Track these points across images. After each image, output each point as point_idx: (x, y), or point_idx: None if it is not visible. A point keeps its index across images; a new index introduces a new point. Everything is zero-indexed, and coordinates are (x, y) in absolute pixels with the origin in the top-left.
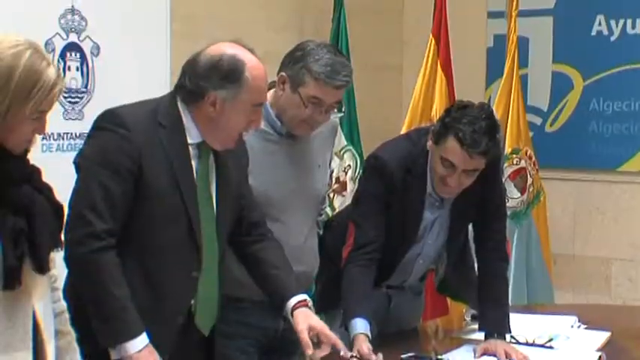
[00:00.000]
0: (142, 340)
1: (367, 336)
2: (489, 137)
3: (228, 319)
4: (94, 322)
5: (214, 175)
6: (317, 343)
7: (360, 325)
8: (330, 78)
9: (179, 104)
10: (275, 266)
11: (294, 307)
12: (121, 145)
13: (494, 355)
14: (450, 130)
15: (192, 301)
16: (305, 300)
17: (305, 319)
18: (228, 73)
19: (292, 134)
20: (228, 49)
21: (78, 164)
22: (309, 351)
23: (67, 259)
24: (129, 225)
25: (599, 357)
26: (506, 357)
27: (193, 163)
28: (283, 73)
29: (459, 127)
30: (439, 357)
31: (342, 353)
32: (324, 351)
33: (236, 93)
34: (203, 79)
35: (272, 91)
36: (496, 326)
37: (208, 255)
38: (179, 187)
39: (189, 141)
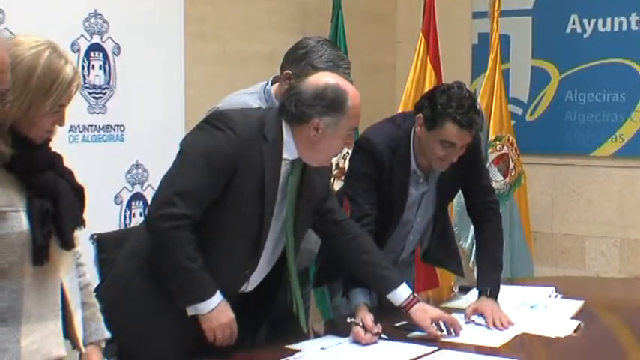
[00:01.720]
0: (214, 300)
1: (367, 305)
2: (476, 112)
3: None
4: (172, 285)
5: (298, 189)
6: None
7: (361, 295)
8: (325, 65)
9: (283, 123)
10: (373, 262)
11: (408, 306)
12: (227, 147)
13: (482, 315)
14: (444, 116)
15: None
16: (413, 296)
17: (424, 314)
18: (334, 102)
19: None
20: (330, 79)
21: (182, 148)
22: (439, 338)
23: (149, 231)
24: (205, 215)
25: (578, 325)
26: (492, 319)
27: (281, 178)
28: (289, 71)
29: (452, 111)
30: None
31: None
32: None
33: (339, 120)
34: (308, 107)
35: (276, 85)
36: (489, 284)
37: (264, 259)
38: (263, 199)
39: (285, 156)
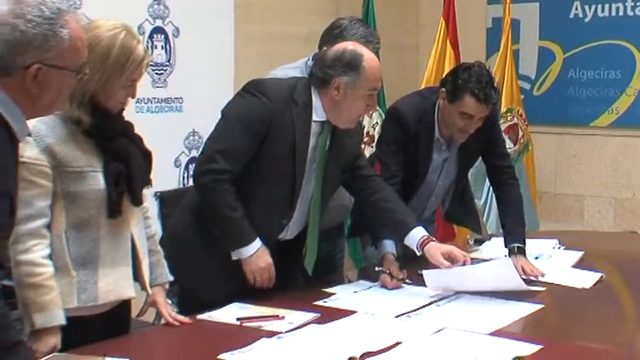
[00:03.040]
0: (254, 246)
1: (394, 254)
2: (493, 88)
3: None
4: (216, 233)
5: (328, 148)
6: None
7: (388, 246)
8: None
9: (312, 89)
10: (392, 209)
11: (423, 245)
12: (260, 111)
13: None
14: (464, 90)
15: (281, 237)
16: (427, 236)
17: (436, 250)
18: (350, 62)
19: None
20: (349, 46)
21: (224, 113)
22: (448, 267)
23: (195, 186)
24: (245, 172)
25: (601, 277)
26: (522, 270)
27: (312, 138)
28: (326, 48)
29: (471, 86)
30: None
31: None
32: (459, 260)
33: (355, 79)
34: (329, 68)
35: None
36: (516, 242)
37: (300, 210)
38: (294, 154)
39: (315, 118)
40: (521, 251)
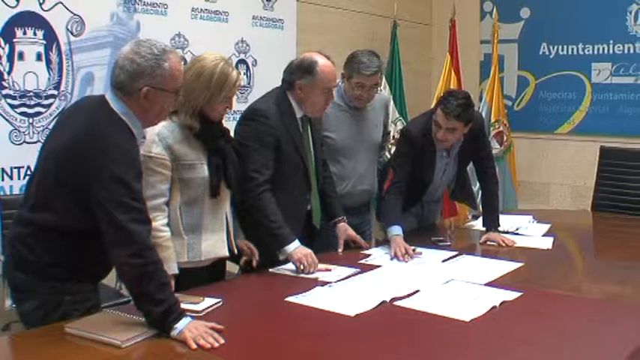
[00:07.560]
0: (295, 244)
1: (401, 236)
2: (463, 109)
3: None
4: (266, 237)
5: (311, 135)
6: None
7: (396, 229)
8: (364, 70)
9: (287, 93)
10: (330, 196)
11: (336, 222)
12: (267, 129)
13: (494, 241)
14: (439, 105)
15: (308, 208)
16: (342, 218)
17: (340, 230)
18: (307, 68)
19: (356, 106)
20: (308, 54)
21: (240, 140)
22: (340, 249)
23: (243, 203)
24: (273, 174)
25: (554, 240)
26: (502, 242)
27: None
28: (343, 71)
29: (444, 102)
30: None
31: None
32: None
33: (310, 80)
34: (293, 74)
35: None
36: (493, 223)
37: (314, 185)
38: (298, 149)
39: (298, 115)
40: (496, 230)
